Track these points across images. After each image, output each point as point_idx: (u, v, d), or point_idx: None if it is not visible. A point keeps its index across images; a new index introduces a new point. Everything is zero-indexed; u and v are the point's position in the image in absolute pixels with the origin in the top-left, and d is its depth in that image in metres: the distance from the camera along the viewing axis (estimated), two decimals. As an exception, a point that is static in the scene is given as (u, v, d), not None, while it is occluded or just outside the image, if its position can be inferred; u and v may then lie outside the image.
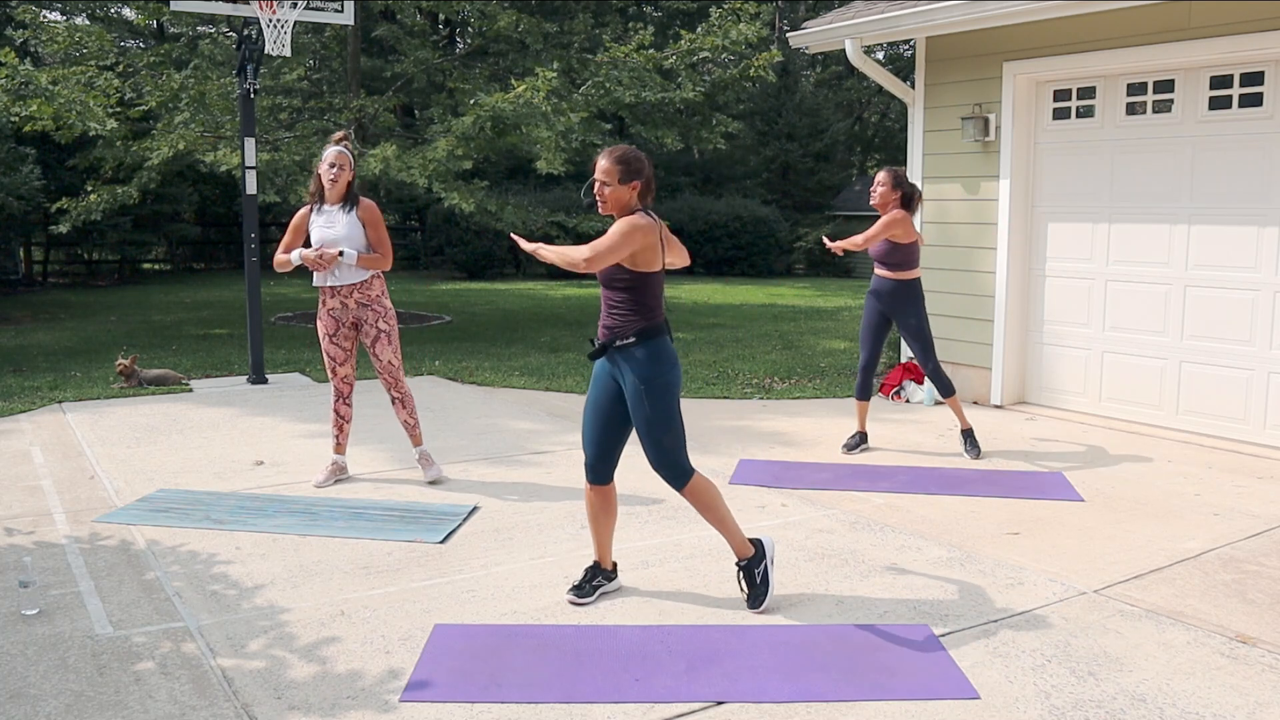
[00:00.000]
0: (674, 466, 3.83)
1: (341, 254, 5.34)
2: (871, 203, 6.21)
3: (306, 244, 5.53)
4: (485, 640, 3.60)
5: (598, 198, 3.82)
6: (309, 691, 3.23)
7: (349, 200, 5.51)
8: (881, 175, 6.21)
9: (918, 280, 6.23)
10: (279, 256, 5.50)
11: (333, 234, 5.43)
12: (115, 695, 3.19)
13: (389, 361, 5.59)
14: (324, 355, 5.66)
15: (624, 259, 3.73)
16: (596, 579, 4.02)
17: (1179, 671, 3.39)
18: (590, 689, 3.25)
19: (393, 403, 5.75)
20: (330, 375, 5.67)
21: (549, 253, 3.79)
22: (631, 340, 3.78)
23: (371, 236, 5.50)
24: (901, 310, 6.24)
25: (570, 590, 3.97)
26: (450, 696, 3.20)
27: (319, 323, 5.62)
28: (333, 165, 5.46)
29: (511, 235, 4.18)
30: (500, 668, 3.39)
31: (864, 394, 6.46)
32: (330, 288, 5.51)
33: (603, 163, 3.81)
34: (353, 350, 5.64)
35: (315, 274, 5.46)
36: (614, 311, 3.81)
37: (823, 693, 3.23)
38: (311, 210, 5.54)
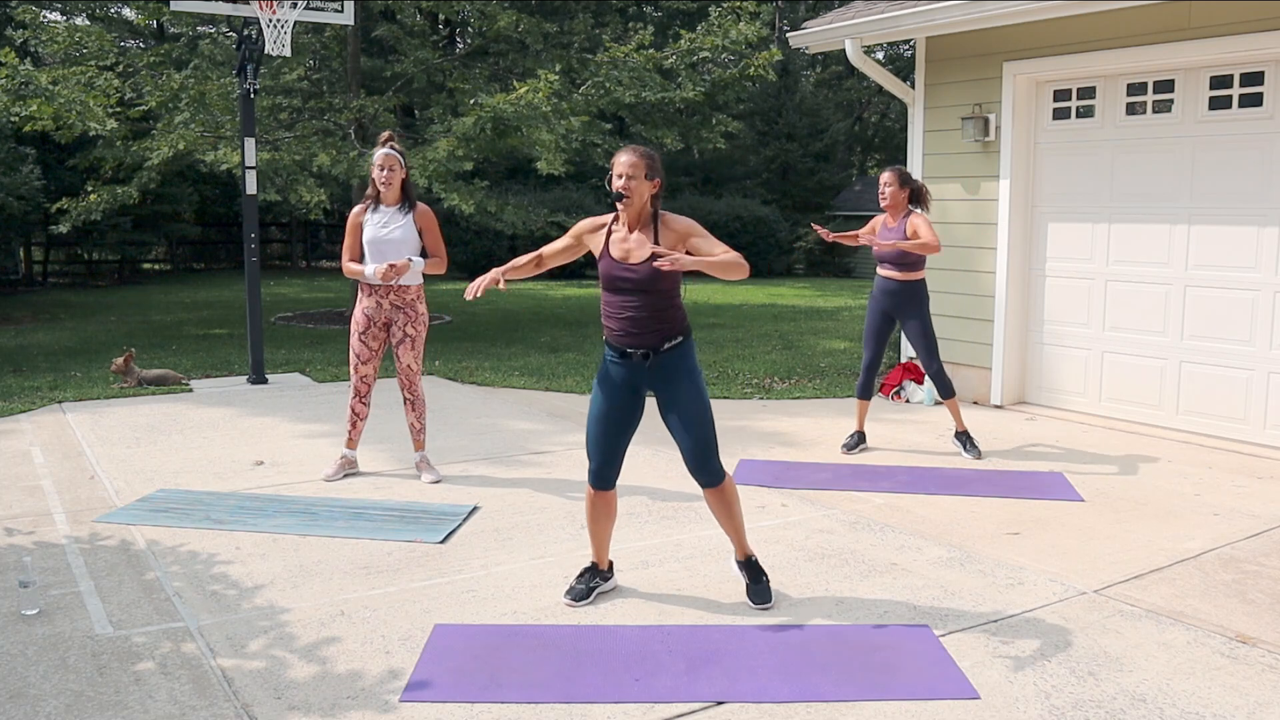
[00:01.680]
0: (717, 462, 3.86)
1: (411, 261, 5.41)
2: (882, 204, 6.19)
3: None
4: (485, 640, 3.60)
5: (624, 191, 3.72)
6: (309, 691, 3.23)
7: (406, 201, 5.55)
8: (887, 175, 6.17)
9: (923, 281, 6.23)
10: (350, 266, 5.53)
11: (388, 234, 5.47)
12: (115, 695, 3.19)
13: (409, 365, 5.65)
14: (350, 351, 5.68)
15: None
16: (594, 580, 4.02)
17: (1179, 671, 3.39)
18: (590, 689, 3.25)
19: (404, 403, 5.76)
20: (352, 372, 5.68)
21: (694, 261, 3.58)
22: (679, 340, 3.79)
23: (428, 241, 5.55)
24: (906, 311, 6.23)
25: (566, 594, 3.97)
26: (450, 696, 3.20)
27: (352, 320, 5.67)
28: (382, 168, 5.47)
29: (653, 249, 3.73)
30: (500, 668, 3.39)
31: (865, 393, 6.46)
32: (369, 285, 5.54)
33: (629, 157, 3.72)
34: (380, 351, 5.67)
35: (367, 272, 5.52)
36: (661, 313, 3.76)
37: (823, 693, 3.23)
38: (366, 209, 5.54)
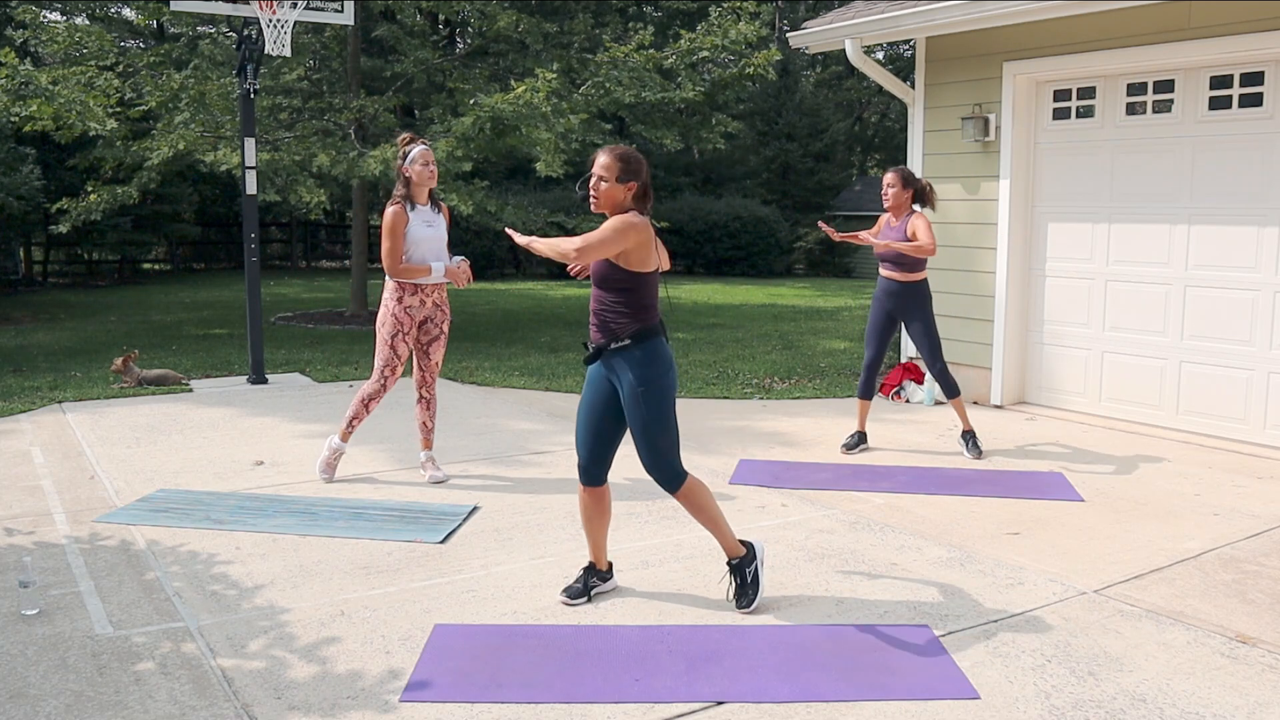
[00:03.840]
0: (668, 469, 3.81)
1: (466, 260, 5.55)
2: (885, 205, 6.18)
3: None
4: (485, 640, 3.60)
5: (592, 192, 3.75)
6: (309, 691, 3.23)
7: (434, 200, 5.62)
8: (890, 176, 6.17)
9: (925, 281, 6.22)
10: (411, 267, 5.43)
11: (434, 232, 5.51)
12: (115, 695, 3.19)
13: (437, 362, 5.73)
14: (388, 350, 5.52)
15: (617, 257, 3.70)
16: (591, 580, 4.01)
17: (1179, 671, 3.39)
18: (590, 689, 3.25)
19: (419, 402, 5.76)
20: (390, 373, 5.56)
21: (541, 245, 3.75)
22: (627, 342, 3.75)
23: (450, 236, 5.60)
24: (909, 312, 6.23)
25: (563, 591, 3.96)
26: (450, 696, 3.20)
27: (389, 319, 5.52)
28: (426, 164, 5.48)
29: (507, 230, 4.12)
30: (500, 668, 3.39)
31: (867, 393, 6.46)
32: (413, 284, 5.53)
33: (603, 158, 3.75)
34: (411, 350, 5.68)
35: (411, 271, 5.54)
36: (609, 313, 3.77)
37: (823, 693, 3.23)
38: (405, 208, 5.48)
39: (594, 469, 3.91)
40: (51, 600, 3.93)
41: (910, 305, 6.22)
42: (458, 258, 5.53)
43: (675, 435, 3.81)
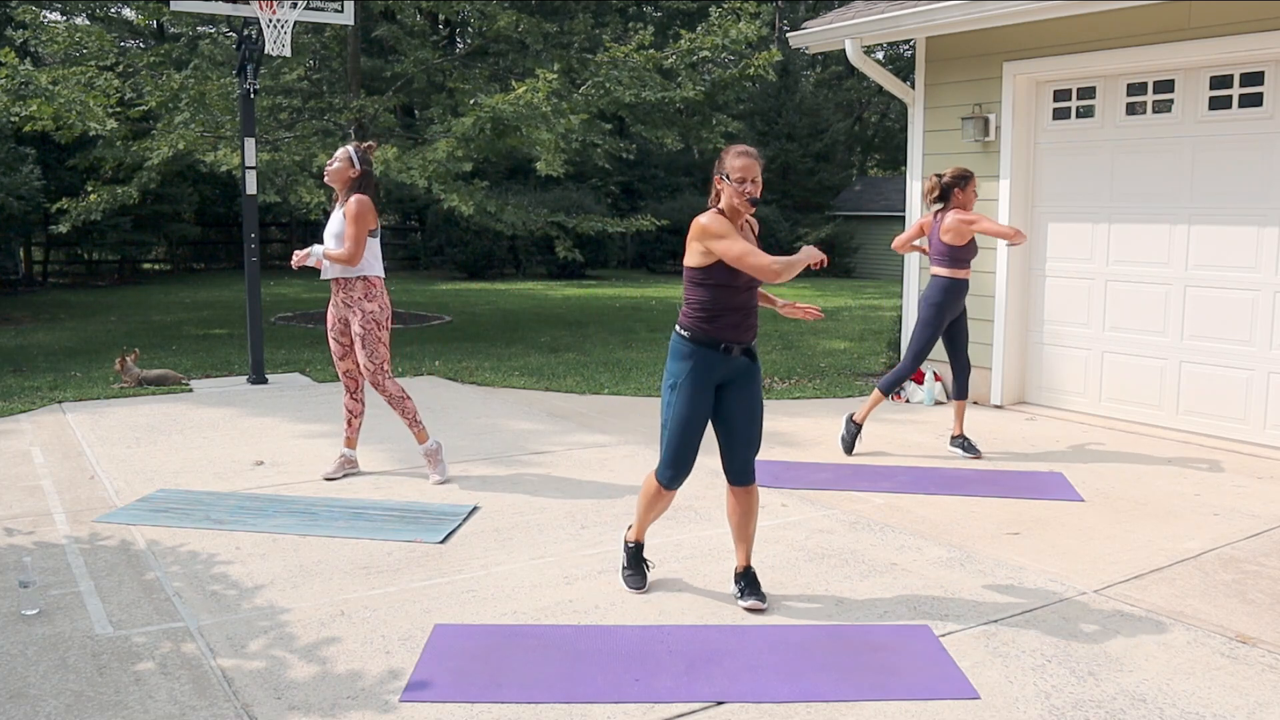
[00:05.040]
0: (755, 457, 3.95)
1: (310, 251, 5.53)
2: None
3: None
4: (485, 640, 3.60)
5: (758, 197, 3.77)
6: (309, 691, 3.23)
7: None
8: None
9: (942, 278, 6.16)
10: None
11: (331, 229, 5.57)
12: (115, 695, 3.19)
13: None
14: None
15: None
16: (644, 562, 4.16)
17: (1179, 671, 3.39)
18: (590, 689, 3.25)
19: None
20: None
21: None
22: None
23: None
24: (961, 306, 6.26)
25: (628, 581, 4.07)
26: (450, 696, 3.20)
27: (382, 318, 5.63)
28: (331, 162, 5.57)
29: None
30: (500, 668, 3.39)
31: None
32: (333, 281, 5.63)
33: (759, 162, 3.74)
34: (351, 346, 5.67)
35: (371, 264, 5.57)
36: (754, 311, 3.83)
37: (823, 693, 3.23)
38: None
39: (688, 471, 3.90)
40: (51, 600, 3.93)
41: (963, 299, 6.26)
42: (314, 248, 5.50)
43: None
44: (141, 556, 4.44)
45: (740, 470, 3.89)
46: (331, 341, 5.72)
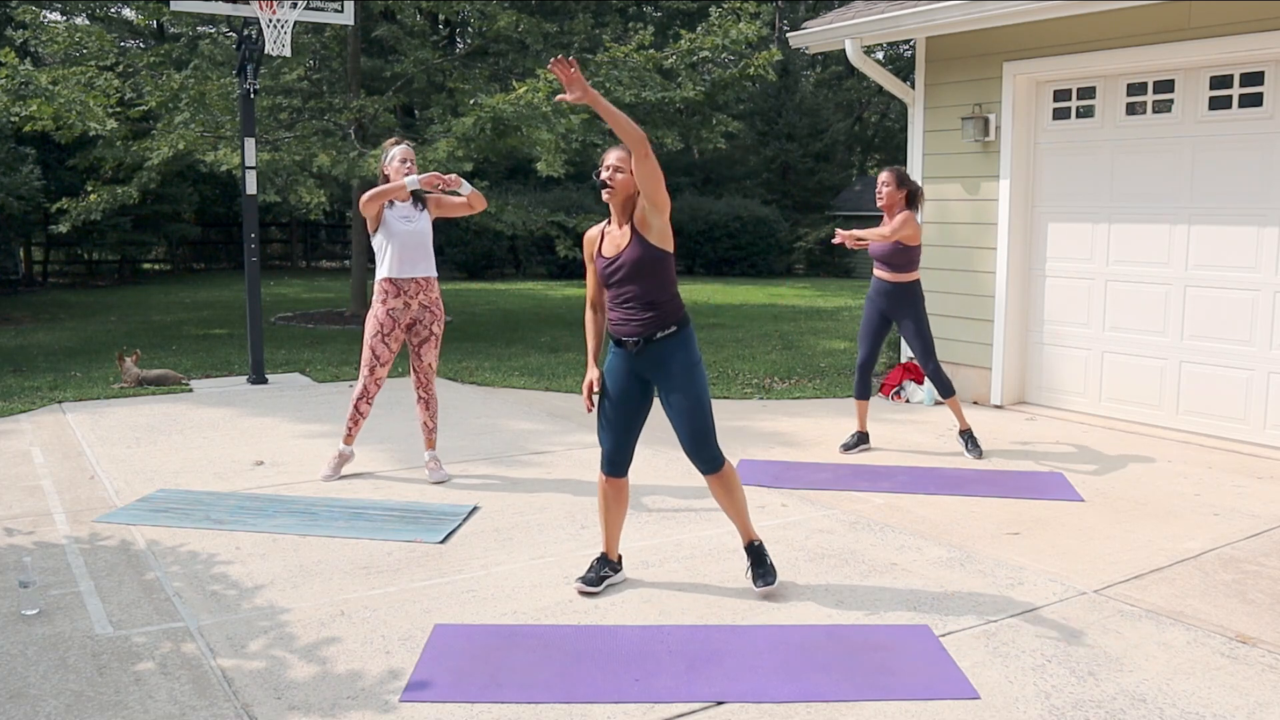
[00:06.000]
0: (713, 448, 3.95)
1: (460, 179, 5.46)
2: (879, 204, 6.21)
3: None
4: (485, 640, 3.60)
5: (609, 181, 3.84)
6: (309, 691, 3.23)
7: (420, 199, 5.67)
8: (885, 175, 6.19)
9: (917, 282, 6.24)
10: (380, 190, 5.42)
11: (412, 227, 5.57)
12: (115, 695, 3.19)
13: (430, 364, 5.70)
14: (368, 351, 5.58)
15: (660, 237, 3.84)
16: (604, 570, 4.10)
17: (1179, 671, 3.39)
18: (590, 689, 3.25)
19: (418, 402, 5.76)
20: (368, 373, 5.59)
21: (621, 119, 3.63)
22: (673, 329, 3.88)
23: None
24: (901, 312, 6.24)
25: (579, 579, 4.05)
26: (450, 696, 3.20)
27: (371, 319, 5.58)
28: (405, 160, 5.58)
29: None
30: (500, 668, 3.39)
31: (863, 393, 6.46)
32: (396, 285, 5.52)
33: (619, 151, 3.88)
34: (396, 353, 5.67)
35: (391, 265, 5.50)
36: (652, 301, 3.85)
37: (823, 693, 3.23)
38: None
39: (619, 458, 4.01)
40: (51, 600, 3.93)
41: (902, 305, 6.23)
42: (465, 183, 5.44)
43: (712, 416, 3.97)
44: (141, 556, 4.44)
45: (696, 461, 3.97)
46: (382, 347, 5.54)
